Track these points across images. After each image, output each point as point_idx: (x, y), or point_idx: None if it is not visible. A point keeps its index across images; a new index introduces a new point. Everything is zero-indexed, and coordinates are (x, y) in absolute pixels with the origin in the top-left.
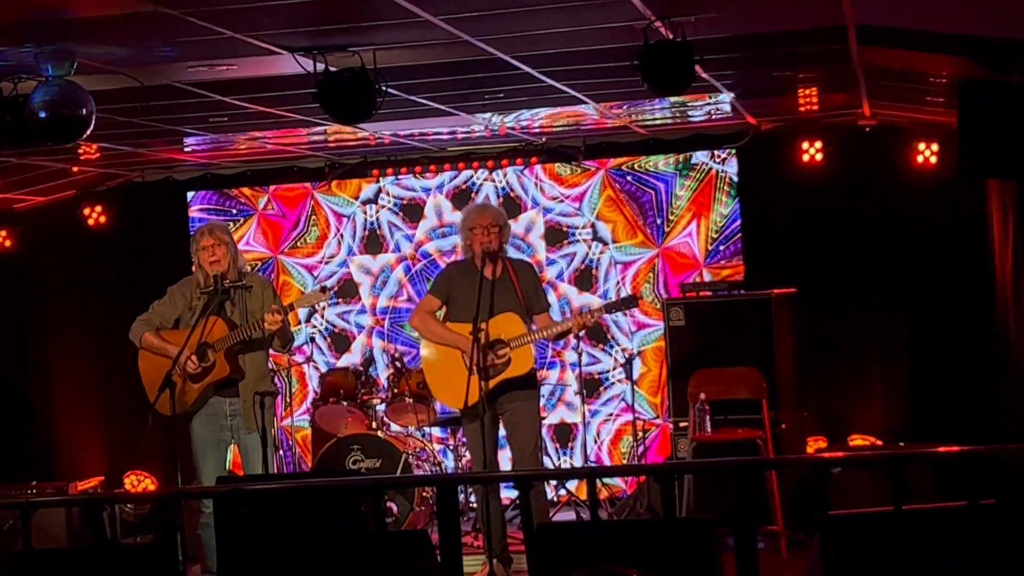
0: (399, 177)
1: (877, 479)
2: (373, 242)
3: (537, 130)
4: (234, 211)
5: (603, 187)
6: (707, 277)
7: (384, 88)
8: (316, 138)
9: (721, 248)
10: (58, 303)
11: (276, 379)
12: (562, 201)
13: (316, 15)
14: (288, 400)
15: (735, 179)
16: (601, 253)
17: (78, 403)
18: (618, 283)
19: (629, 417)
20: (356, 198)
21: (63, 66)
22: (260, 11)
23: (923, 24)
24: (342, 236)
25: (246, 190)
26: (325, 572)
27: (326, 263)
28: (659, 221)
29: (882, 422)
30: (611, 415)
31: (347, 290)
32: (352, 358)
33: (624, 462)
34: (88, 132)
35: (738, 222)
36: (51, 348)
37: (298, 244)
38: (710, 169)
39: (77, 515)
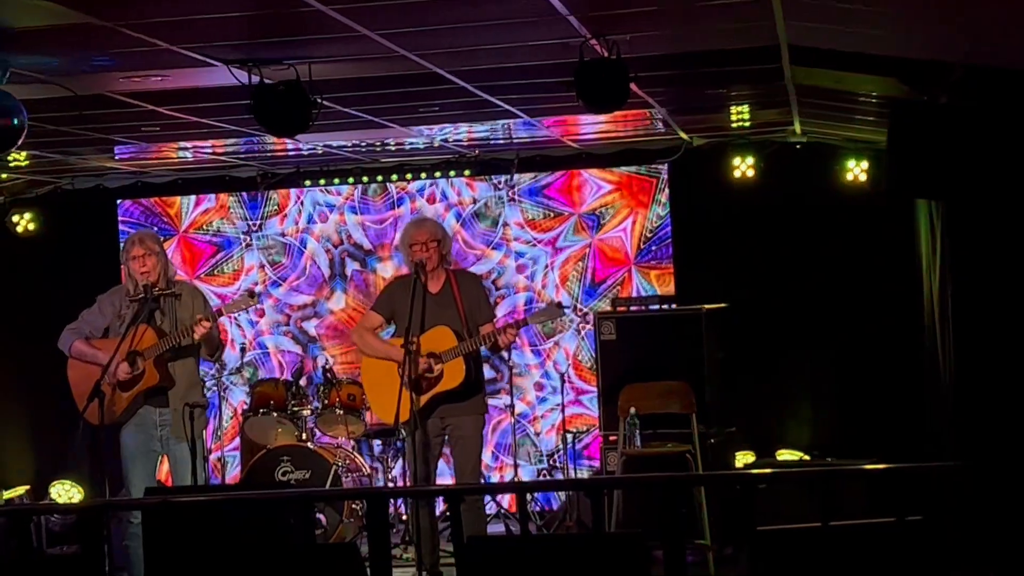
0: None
1: (804, 494)
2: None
3: (466, 143)
4: (155, 229)
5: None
6: (636, 275)
7: (319, 101)
8: (249, 147)
9: (653, 248)
10: None
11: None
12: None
13: (252, 28)
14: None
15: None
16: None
17: (5, 411)
18: (545, 267)
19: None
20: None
21: None
22: (195, 23)
23: (854, 46)
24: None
25: (173, 205)
26: None
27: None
28: (597, 212)
29: (810, 437)
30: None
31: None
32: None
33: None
34: (20, 141)
35: (669, 227)
36: None
37: (215, 272)
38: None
39: (2, 525)
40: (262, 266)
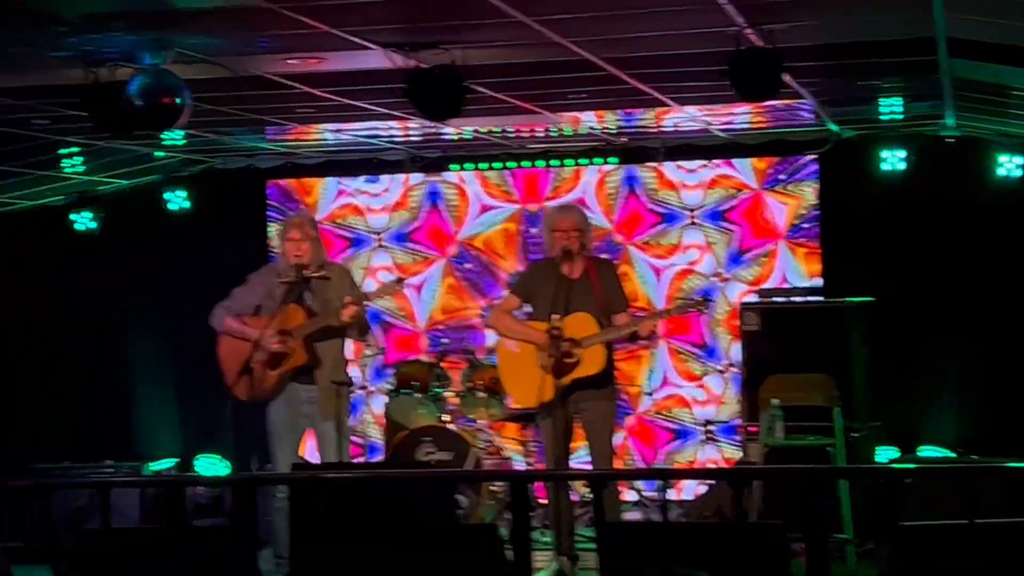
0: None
1: (948, 491)
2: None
3: (615, 131)
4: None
5: None
6: (783, 250)
7: (472, 86)
8: (396, 132)
9: (804, 226)
10: (137, 286)
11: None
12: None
13: (410, 12)
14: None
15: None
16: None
17: (154, 385)
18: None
19: None
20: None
21: (161, 55)
22: (356, 7)
23: (1015, 39)
24: None
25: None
26: (395, 561)
27: None
28: None
29: (954, 434)
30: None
31: None
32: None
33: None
34: (183, 120)
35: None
36: (129, 330)
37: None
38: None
39: (150, 495)
40: (389, 269)
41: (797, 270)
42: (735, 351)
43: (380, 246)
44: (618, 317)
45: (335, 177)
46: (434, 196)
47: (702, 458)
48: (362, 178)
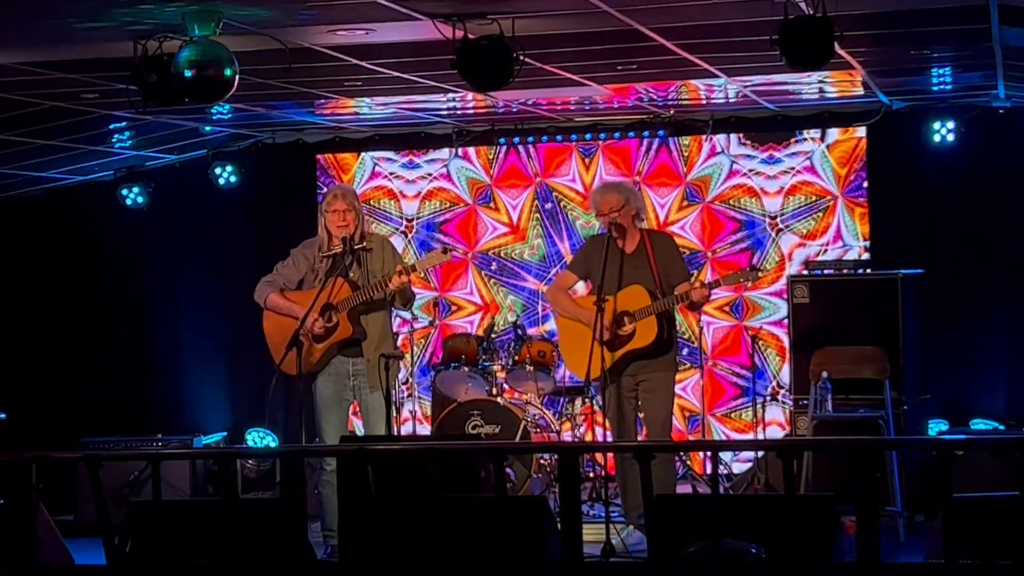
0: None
1: (1000, 464)
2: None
3: (662, 103)
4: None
5: None
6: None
7: (520, 56)
8: (447, 105)
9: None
10: (186, 261)
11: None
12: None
13: None
14: (410, 365)
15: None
16: None
17: (202, 360)
18: None
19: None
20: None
21: (209, 26)
22: None
23: None
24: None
25: (348, 170)
26: (446, 534)
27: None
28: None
29: (1006, 407)
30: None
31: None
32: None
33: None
34: (231, 92)
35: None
36: (178, 304)
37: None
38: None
39: (202, 468)
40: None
41: (854, 227)
42: (784, 373)
43: (407, 234)
44: (680, 288)
45: (382, 152)
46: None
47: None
48: (400, 161)
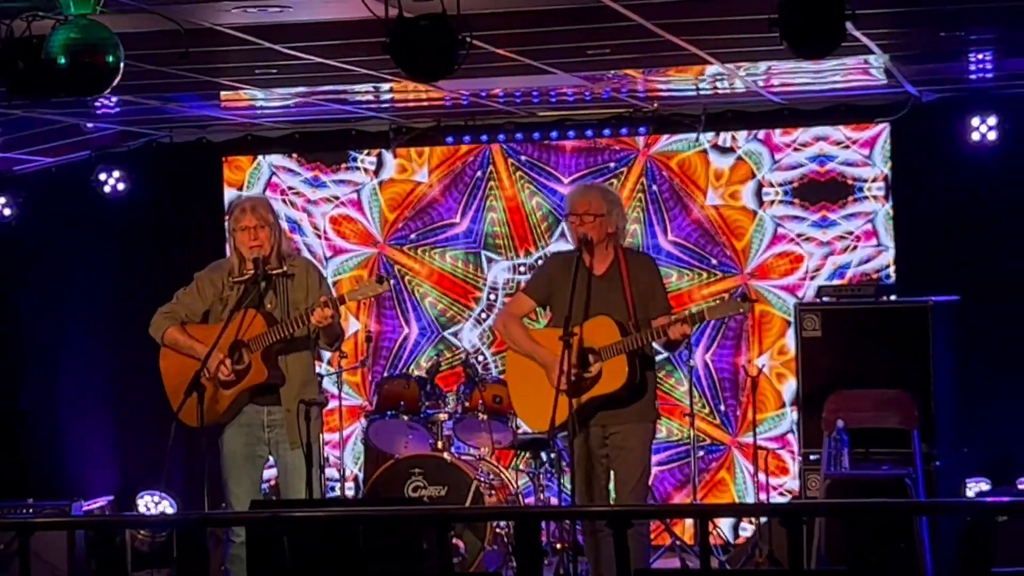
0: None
1: None
2: None
3: (644, 95)
4: None
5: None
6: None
7: (468, 40)
8: (381, 97)
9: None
10: (65, 287)
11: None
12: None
13: None
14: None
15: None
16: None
17: (86, 408)
18: None
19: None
20: None
21: (87, 3)
22: None
23: None
24: None
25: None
26: None
27: None
28: None
29: None
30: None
31: None
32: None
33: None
34: (115, 82)
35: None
36: (55, 341)
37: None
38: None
39: (82, 540)
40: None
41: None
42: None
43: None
44: (657, 322)
45: (287, 159)
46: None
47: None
48: (303, 175)
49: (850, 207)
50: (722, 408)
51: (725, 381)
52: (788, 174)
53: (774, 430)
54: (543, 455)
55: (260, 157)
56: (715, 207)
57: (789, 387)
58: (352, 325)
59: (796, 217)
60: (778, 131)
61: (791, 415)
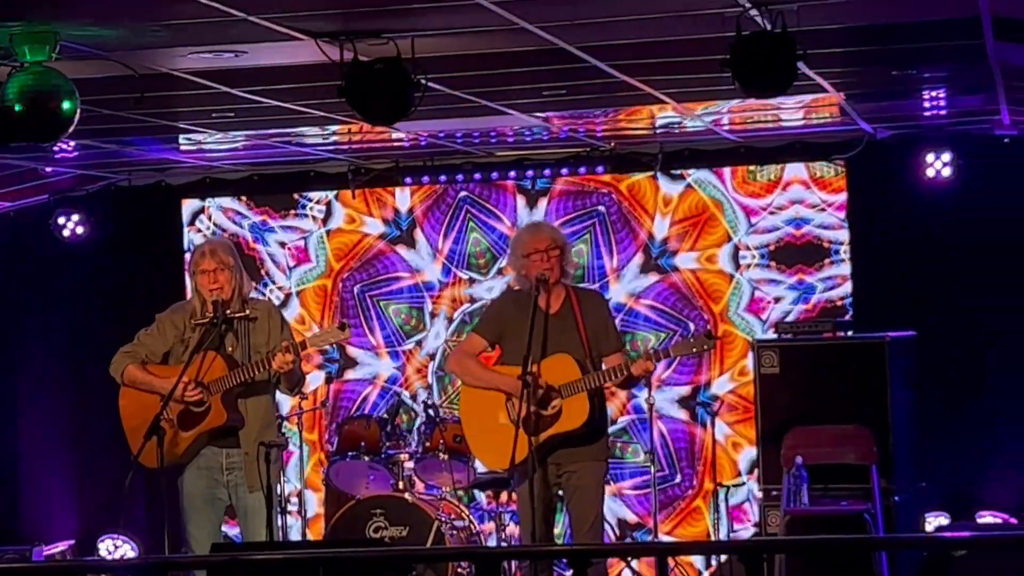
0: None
1: (1009, 567)
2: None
3: (601, 133)
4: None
5: None
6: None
7: (424, 82)
8: (338, 137)
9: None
10: (23, 330)
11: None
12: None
13: None
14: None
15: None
16: None
17: (45, 451)
18: None
19: None
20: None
21: (43, 50)
22: None
23: None
24: None
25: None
26: None
27: None
28: None
29: (1018, 497)
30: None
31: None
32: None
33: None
34: (72, 128)
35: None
36: (15, 384)
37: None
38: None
39: None
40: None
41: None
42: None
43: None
44: (610, 359)
45: (262, 195)
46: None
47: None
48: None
49: (827, 269)
50: (678, 478)
51: (681, 451)
52: (764, 237)
53: (732, 499)
54: (504, 494)
55: (210, 200)
56: (692, 271)
57: (747, 455)
58: (315, 379)
59: (773, 280)
60: (753, 200)
61: (750, 485)
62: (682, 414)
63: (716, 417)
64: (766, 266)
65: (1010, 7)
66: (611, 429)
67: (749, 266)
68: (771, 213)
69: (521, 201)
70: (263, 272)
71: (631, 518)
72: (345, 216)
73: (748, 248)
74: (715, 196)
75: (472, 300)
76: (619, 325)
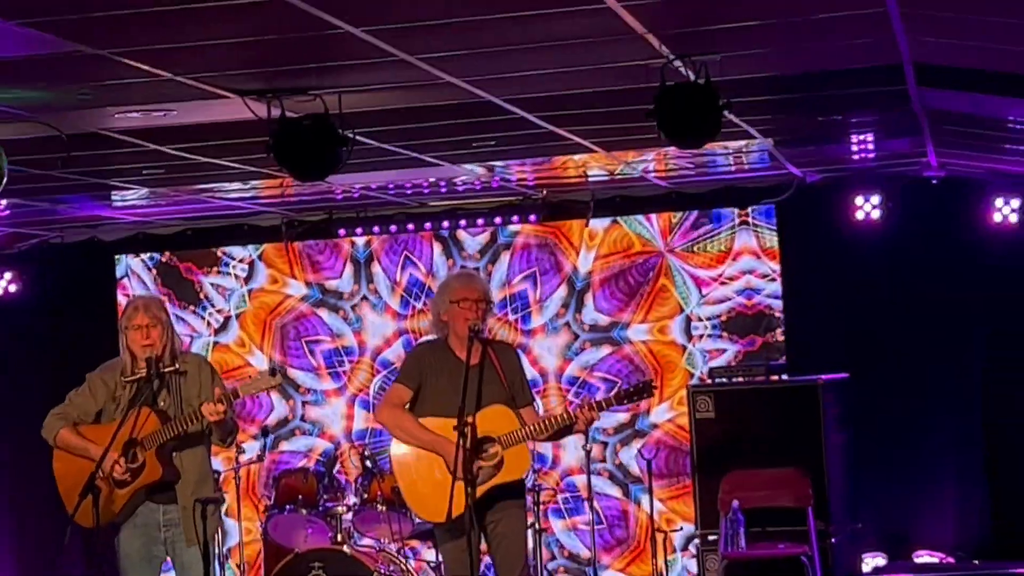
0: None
1: None
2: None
3: (534, 182)
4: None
5: None
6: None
7: (352, 136)
8: (272, 191)
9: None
10: None
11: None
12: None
13: (270, 54)
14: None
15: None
16: None
17: None
18: None
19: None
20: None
21: None
22: (203, 50)
23: (996, 64)
24: None
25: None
26: None
27: None
28: None
29: (954, 536)
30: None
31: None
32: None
33: None
34: (0, 188)
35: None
36: None
37: None
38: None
39: None
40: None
41: None
42: None
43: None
44: (525, 412)
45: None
46: None
47: None
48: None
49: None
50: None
51: (616, 528)
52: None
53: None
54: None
55: (128, 257)
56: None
57: (684, 533)
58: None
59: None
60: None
61: (682, 561)
62: (615, 491)
63: (651, 463)
64: (718, 336)
65: (931, 54)
66: None
67: (701, 337)
68: (722, 284)
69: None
70: (202, 295)
71: (584, 553)
72: (268, 276)
73: (700, 319)
74: (640, 232)
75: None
76: (572, 396)
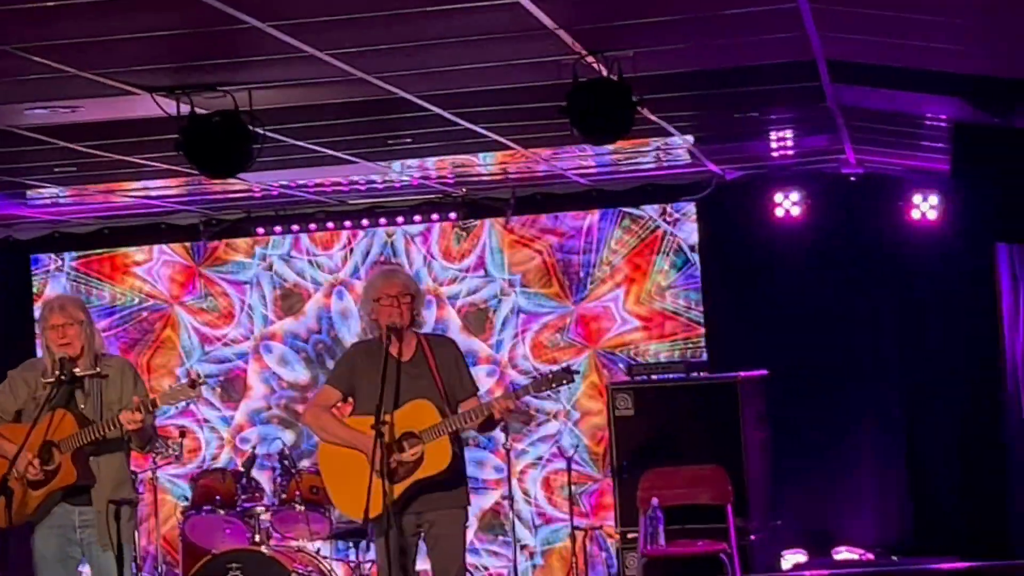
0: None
1: None
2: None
3: (454, 180)
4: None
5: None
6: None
7: (263, 133)
8: (188, 189)
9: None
10: None
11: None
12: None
13: (178, 50)
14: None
15: (685, 244)
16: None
17: None
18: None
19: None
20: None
21: None
22: (109, 45)
23: (907, 60)
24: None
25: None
26: None
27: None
28: (582, 275)
29: (874, 532)
30: (541, 459)
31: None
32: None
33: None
34: None
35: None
36: None
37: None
38: (656, 228)
39: None
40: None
41: None
42: None
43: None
44: (467, 404)
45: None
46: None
47: None
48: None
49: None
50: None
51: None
52: None
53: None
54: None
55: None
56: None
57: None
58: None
59: None
60: None
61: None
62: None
63: (572, 461)
64: None
65: (842, 50)
66: None
67: None
68: None
69: None
70: None
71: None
72: None
73: None
74: None
75: None
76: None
